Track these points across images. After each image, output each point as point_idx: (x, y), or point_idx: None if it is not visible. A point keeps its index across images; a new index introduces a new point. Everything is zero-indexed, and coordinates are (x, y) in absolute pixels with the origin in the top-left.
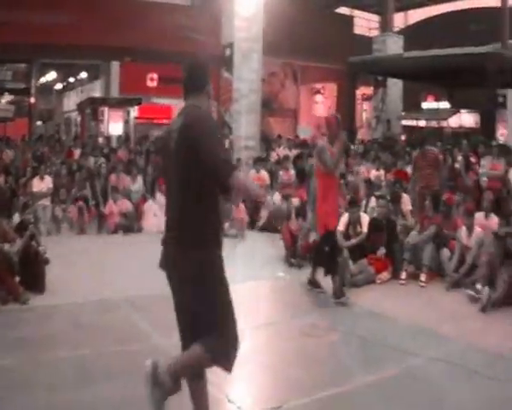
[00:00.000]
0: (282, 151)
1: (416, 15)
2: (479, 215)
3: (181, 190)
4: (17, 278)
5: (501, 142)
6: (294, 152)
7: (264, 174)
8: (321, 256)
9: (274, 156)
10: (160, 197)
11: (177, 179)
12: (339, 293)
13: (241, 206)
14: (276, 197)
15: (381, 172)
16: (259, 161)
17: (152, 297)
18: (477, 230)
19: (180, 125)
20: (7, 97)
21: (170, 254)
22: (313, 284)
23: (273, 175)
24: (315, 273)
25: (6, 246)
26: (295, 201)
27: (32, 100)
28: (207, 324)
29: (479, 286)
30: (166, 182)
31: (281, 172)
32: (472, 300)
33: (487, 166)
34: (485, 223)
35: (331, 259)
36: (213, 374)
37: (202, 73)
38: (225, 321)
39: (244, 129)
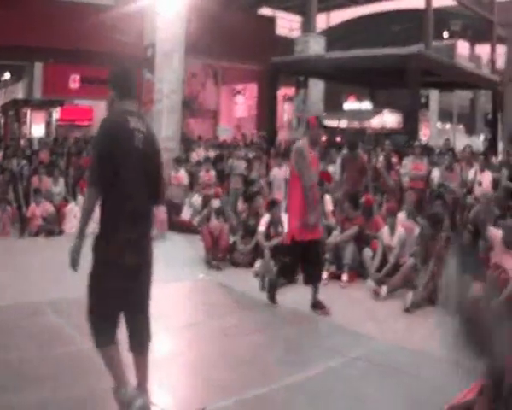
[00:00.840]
0: (201, 152)
1: (339, 16)
2: (401, 215)
3: (146, 187)
4: None
5: (424, 142)
6: (214, 153)
7: (183, 174)
8: (286, 269)
9: (194, 157)
10: (81, 199)
11: (145, 177)
12: (318, 304)
13: (162, 207)
14: (196, 199)
15: None
16: (179, 162)
17: (74, 300)
18: (399, 229)
19: (147, 130)
20: None
21: (142, 247)
22: (272, 299)
23: (193, 176)
24: (273, 288)
25: None
26: (216, 202)
27: None
28: None
29: (384, 288)
30: (123, 177)
31: (201, 173)
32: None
33: (410, 167)
34: (407, 223)
35: (314, 266)
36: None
37: (135, 79)
38: None
39: (165, 130)
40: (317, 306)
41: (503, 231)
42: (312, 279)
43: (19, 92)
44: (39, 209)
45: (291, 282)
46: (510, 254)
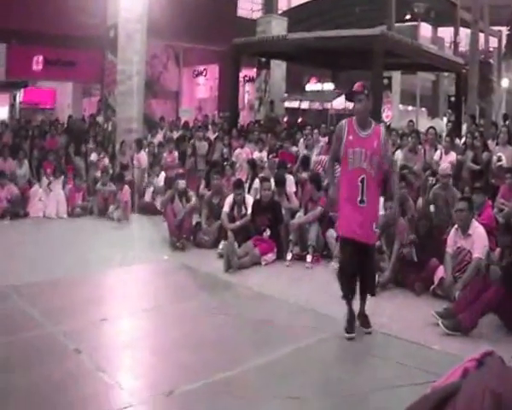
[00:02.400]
0: (164, 133)
1: None
2: None
3: None
4: None
5: (387, 123)
6: (176, 134)
7: (143, 155)
8: (339, 272)
9: (158, 138)
10: (45, 181)
11: None
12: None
13: (126, 188)
14: (158, 180)
15: (264, 153)
16: (139, 143)
17: (40, 284)
18: None
19: None
20: None
21: None
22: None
23: (156, 157)
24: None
25: None
26: (181, 183)
27: None
28: None
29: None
30: None
31: (164, 154)
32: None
33: None
34: None
35: (363, 274)
36: (104, 360)
37: None
38: None
39: (128, 111)
40: (363, 321)
41: (458, 218)
42: (360, 289)
43: None
44: (4, 192)
45: (345, 294)
46: (465, 237)
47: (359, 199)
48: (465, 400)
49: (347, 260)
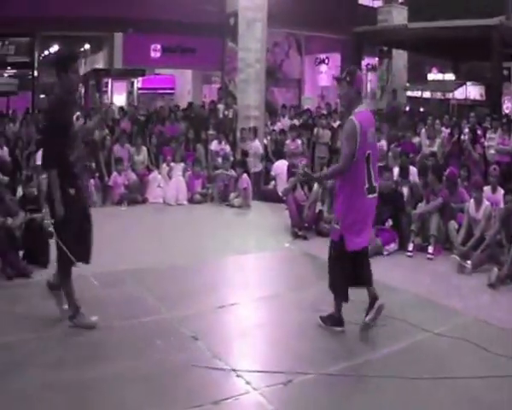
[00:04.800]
0: (286, 121)
1: None
2: (486, 189)
3: None
4: (20, 252)
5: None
6: (298, 122)
7: (258, 144)
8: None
9: (279, 126)
10: (165, 168)
11: None
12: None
13: (245, 176)
14: (278, 167)
15: (383, 142)
16: (255, 131)
17: (157, 269)
18: (486, 203)
19: None
20: (9, 71)
21: None
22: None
23: (278, 144)
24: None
25: (9, 220)
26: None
27: (36, 73)
28: None
29: (469, 263)
30: None
31: (287, 142)
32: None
33: (497, 141)
34: (493, 196)
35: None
36: (220, 348)
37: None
38: None
39: (249, 99)
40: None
41: None
42: None
43: (99, 62)
44: (122, 178)
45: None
46: None
47: None
48: None
49: None
